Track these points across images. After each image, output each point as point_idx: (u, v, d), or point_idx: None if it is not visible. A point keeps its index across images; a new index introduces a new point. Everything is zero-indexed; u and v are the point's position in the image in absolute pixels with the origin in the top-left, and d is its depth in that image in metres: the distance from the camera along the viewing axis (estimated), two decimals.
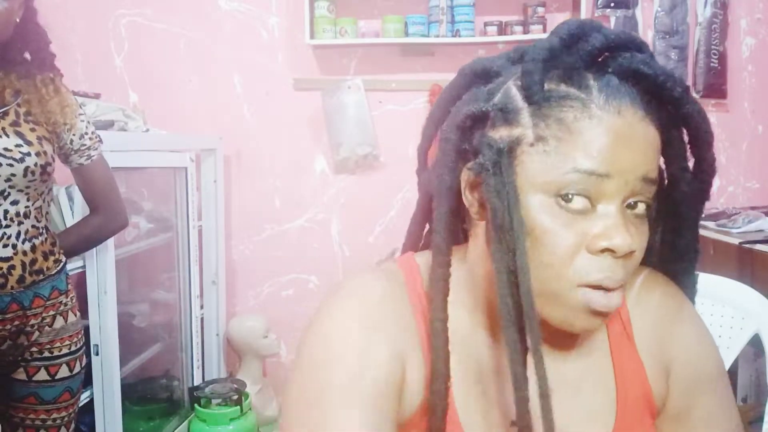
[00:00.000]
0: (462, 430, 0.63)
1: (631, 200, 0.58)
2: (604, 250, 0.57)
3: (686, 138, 0.64)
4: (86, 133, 1.40)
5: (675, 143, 0.63)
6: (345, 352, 0.58)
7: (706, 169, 0.64)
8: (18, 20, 1.32)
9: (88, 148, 1.41)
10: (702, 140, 0.62)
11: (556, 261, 0.56)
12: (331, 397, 0.55)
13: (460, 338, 0.65)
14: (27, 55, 1.36)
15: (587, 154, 0.55)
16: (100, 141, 1.45)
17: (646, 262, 0.68)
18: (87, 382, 1.76)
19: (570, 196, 0.56)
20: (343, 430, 0.54)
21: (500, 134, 0.59)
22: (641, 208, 0.59)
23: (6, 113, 1.28)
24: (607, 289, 0.57)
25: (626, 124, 0.56)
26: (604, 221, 0.57)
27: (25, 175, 1.27)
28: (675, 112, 0.61)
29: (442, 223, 0.62)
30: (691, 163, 0.65)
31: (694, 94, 2.60)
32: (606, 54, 0.59)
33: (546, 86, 0.57)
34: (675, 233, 0.68)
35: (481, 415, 0.64)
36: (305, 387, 0.58)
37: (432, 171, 0.65)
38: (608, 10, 2.60)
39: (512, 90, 0.60)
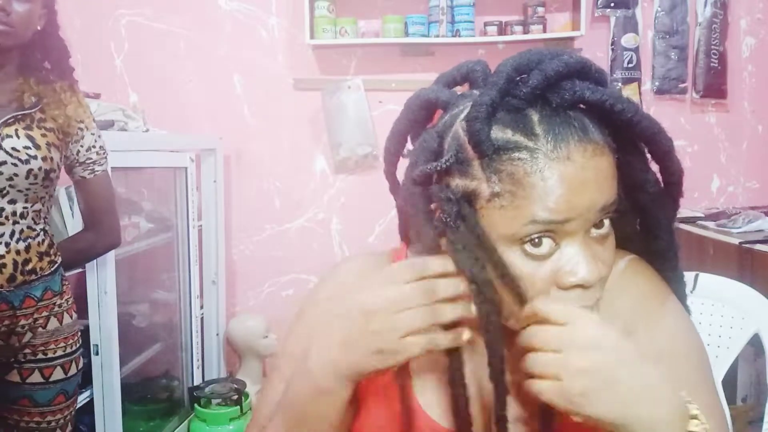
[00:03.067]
0: (427, 414, 0.68)
1: (593, 228, 0.60)
2: (574, 286, 0.59)
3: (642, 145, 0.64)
4: (93, 147, 1.41)
5: (630, 150, 0.63)
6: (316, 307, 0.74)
7: (672, 175, 0.64)
8: (39, 28, 1.34)
9: (93, 162, 1.41)
10: (662, 151, 0.62)
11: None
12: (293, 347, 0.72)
13: None
14: (47, 65, 1.39)
15: (543, 207, 0.56)
16: (106, 158, 1.45)
17: (629, 250, 0.71)
18: (87, 382, 1.77)
19: (537, 240, 0.58)
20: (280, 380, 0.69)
21: (456, 183, 0.60)
22: (605, 224, 0.61)
23: (24, 117, 1.30)
24: None
25: (578, 168, 0.56)
26: (570, 258, 0.58)
27: (27, 177, 1.27)
28: (628, 130, 0.61)
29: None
30: (652, 164, 0.66)
31: (694, 95, 2.62)
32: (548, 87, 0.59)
33: (493, 134, 0.57)
34: (652, 236, 0.69)
35: (437, 395, 0.69)
36: (288, 332, 0.76)
37: (408, 218, 0.67)
38: (608, 10, 2.60)
39: (461, 136, 0.60)
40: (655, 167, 0.65)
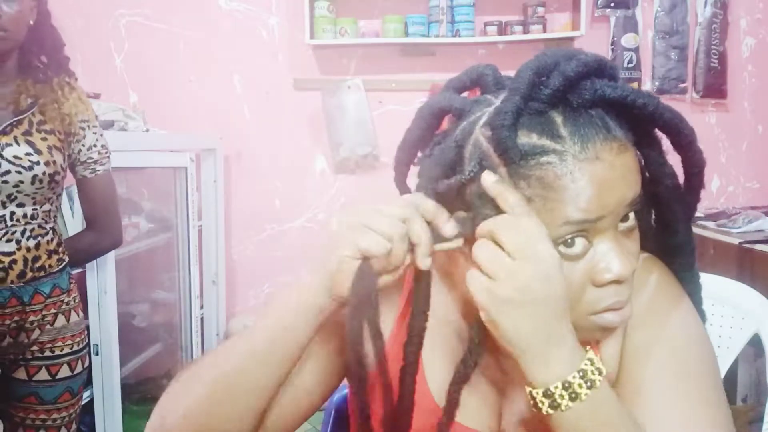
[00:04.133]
0: (427, 387, 0.69)
1: (620, 222, 0.60)
2: (609, 282, 0.59)
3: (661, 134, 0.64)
4: (95, 146, 1.40)
5: (647, 143, 0.64)
6: None
7: (694, 166, 0.64)
8: (32, 23, 1.33)
9: (95, 162, 1.40)
10: (684, 142, 0.62)
11: (568, 300, 0.58)
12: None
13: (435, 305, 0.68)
14: (43, 58, 1.37)
15: (576, 207, 0.56)
16: (108, 157, 1.44)
17: (644, 247, 0.70)
18: (87, 382, 1.76)
19: (570, 240, 0.58)
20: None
21: (482, 191, 0.59)
22: (631, 217, 0.61)
23: (20, 122, 1.29)
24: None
25: (606, 166, 0.57)
26: (603, 255, 0.59)
27: (32, 183, 1.28)
28: (650, 123, 0.61)
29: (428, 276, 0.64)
30: (669, 157, 0.65)
31: (694, 95, 2.62)
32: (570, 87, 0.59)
33: (518, 139, 0.57)
34: (669, 231, 0.68)
35: (446, 377, 0.68)
36: None
37: None
38: (608, 10, 2.60)
39: (483, 143, 0.59)
40: (674, 161, 0.65)
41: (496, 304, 0.54)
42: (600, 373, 0.55)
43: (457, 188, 0.60)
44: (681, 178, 0.66)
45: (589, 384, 0.54)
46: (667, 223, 0.68)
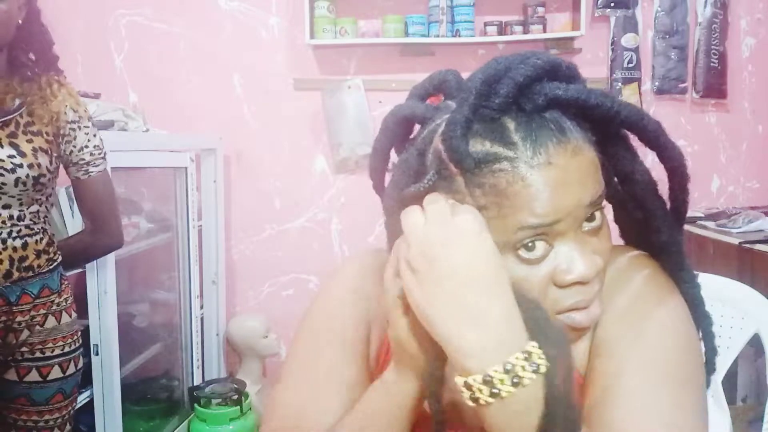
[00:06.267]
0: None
1: (585, 222, 0.60)
2: (572, 284, 0.59)
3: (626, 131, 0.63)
4: (87, 147, 1.37)
5: (614, 141, 0.63)
6: (326, 304, 0.75)
7: (670, 159, 0.62)
8: (20, 21, 1.31)
9: (87, 163, 1.38)
10: (650, 137, 0.61)
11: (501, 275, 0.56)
12: (311, 336, 0.73)
13: None
14: (31, 56, 1.35)
15: (531, 213, 0.56)
16: (104, 158, 1.41)
17: (630, 242, 0.71)
18: (87, 382, 1.77)
19: (531, 244, 0.58)
20: (312, 360, 0.70)
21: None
22: (597, 216, 0.61)
23: (7, 123, 1.27)
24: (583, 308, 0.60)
25: (559, 170, 0.56)
26: (565, 256, 0.58)
27: (16, 185, 1.26)
28: (610, 122, 0.60)
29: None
30: (640, 153, 0.65)
31: (694, 95, 2.62)
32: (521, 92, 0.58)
33: (472, 147, 0.57)
34: (652, 229, 0.67)
35: None
36: (298, 332, 0.75)
37: (387, 231, 0.67)
38: (608, 10, 2.60)
39: (441, 152, 0.59)
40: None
41: (410, 281, 0.54)
42: (545, 359, 0.50)
43: (420, 196, 0.60)
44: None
45: (534, 368, 0.50)
46: (648, 221, 0.66)
